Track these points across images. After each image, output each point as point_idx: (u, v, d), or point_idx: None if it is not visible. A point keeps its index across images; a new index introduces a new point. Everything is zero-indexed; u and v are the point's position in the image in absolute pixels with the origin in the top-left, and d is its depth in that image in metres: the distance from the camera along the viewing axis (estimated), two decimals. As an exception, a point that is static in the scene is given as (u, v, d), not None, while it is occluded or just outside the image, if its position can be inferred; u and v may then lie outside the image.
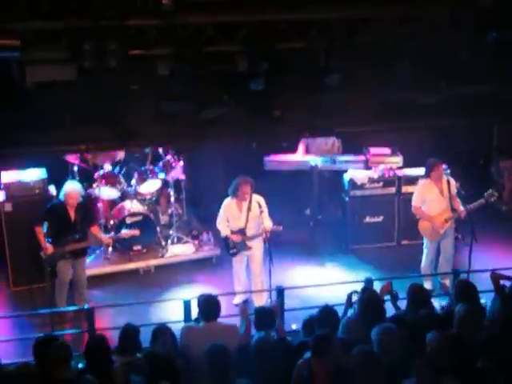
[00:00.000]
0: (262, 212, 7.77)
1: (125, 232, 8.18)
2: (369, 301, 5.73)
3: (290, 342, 5.62)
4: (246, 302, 8.00)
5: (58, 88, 6.58)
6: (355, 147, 10.18)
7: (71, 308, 7.71)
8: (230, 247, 8.05)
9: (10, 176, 8.61)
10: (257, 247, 8.03)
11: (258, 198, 7.87)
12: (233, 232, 7.96)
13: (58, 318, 7.57)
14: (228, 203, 7.95)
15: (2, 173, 8.64)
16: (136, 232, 8.20)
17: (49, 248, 7.60)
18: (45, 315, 7.45)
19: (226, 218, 7.97)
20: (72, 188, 7.76)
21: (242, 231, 7.94)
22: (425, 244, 8.41)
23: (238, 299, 8.19)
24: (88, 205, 8.26)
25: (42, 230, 7.65)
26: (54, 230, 7.71)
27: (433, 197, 8.17)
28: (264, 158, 9.99)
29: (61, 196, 7.74)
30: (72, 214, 7.69)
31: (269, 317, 5.67)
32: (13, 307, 8.22)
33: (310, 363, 4.95)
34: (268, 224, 7.78)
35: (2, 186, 8.58)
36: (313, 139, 10.08)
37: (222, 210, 7.98)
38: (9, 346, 7.05)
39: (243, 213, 7.88)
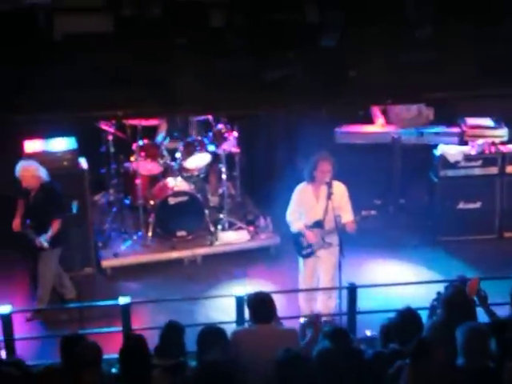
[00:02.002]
0: (346, 201, 7.44)
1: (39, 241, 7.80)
2: (454, 299, 5.68)
3: (363, 353, 5.53)
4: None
5: (92, 42, 6.66)
6: (448, 117, 10.06)
7: (103, 303, 7.91)
8: (304, 246, 7.57)
9: (35, 146, 8.80)
10: (331, 247, 7.53)
11: (339, 184, 7.48)
12: (307, 227, 7.54)
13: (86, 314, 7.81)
14: (302, 189, 7.57)
15: (26, 142, 8.83)
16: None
17: (15, 224, 7.93)
18: (72, 310, 7.69)
19: (298, 207, 7.59)
20: (20, 168, 7.83)
21: (319, 224, 7.47)
22: None
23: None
24: (54, 191, 8.00)
25: (21, 204, 8.00)
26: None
27: None
28: (335, 128, 9.96)
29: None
30: (31, 197, 7.89)
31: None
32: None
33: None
34: (349, 217, 7.43)
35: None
36: (392, 107, 10.00)
37: (293, 198, 7.62)
38: (31, 345, 7.34)
39: (321, 201, 7.46)
